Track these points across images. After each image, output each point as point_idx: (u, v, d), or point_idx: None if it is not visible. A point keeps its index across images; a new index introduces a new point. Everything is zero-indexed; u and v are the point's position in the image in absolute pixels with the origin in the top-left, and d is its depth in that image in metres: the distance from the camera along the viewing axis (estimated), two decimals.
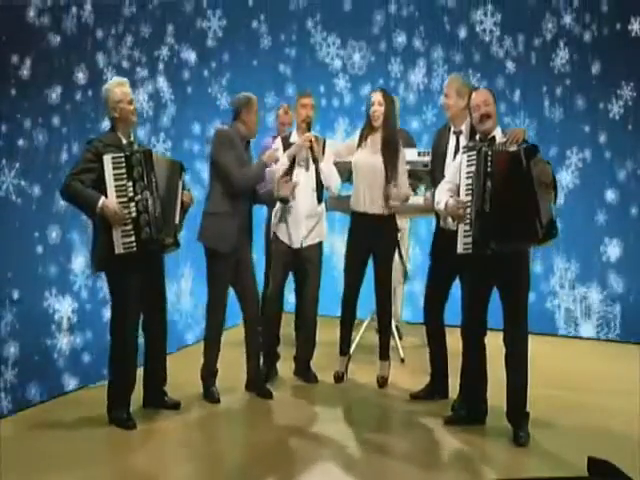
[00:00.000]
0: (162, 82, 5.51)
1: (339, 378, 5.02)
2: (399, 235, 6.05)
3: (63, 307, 4.64)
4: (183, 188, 4.36)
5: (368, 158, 4.76)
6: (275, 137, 5.24)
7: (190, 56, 5.83)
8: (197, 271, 5.74)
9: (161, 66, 5.49)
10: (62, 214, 4.57)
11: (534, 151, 3.87)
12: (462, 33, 6.57)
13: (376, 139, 4.78)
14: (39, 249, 4.48)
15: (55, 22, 4.49)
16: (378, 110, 4.72)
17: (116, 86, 4.17)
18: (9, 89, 4.23)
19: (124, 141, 4.13)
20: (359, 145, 4.83)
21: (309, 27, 6.98)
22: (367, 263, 4.90)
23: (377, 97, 4.75)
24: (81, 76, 4.68)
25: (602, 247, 6.25)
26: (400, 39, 6.75)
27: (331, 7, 6.90)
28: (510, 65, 6.46)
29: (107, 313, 4.69)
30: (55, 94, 4.52)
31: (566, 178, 6.33)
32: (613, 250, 6.22)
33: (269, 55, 6.85)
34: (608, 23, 6.18)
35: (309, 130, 4.85)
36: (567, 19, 6.28)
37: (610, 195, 6.23)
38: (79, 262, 4.74)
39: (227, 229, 4.54)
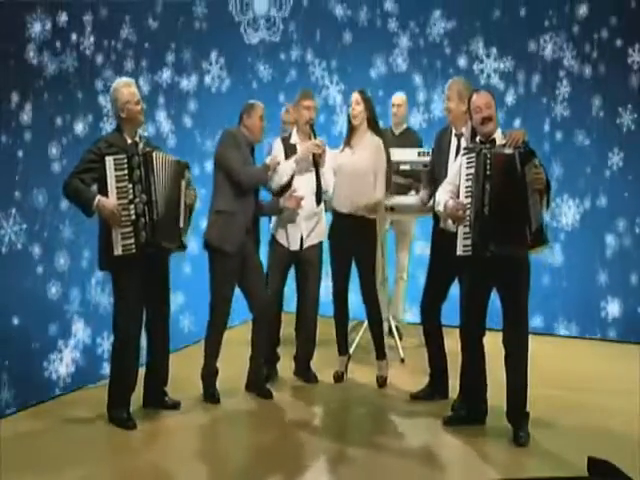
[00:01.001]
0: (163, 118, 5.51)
1: (339, 378, 5.02)
2: (406, 236, 6.10)
3: (62, 365, 4.62)
4: (188, 187, 4.28)
5: (351, 159, 4.78)
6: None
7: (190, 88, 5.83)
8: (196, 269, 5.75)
9: (162, 100, 5.50)
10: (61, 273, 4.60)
11: (530, 156, 3.87)
12: (461, 64, 6.45)
13: (357, 140, 4.81)
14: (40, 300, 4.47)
15: (53, 65, 4.51)
16: (356, 109, 4.77)
17: (123, 86, 4.14)
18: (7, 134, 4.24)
19: (129, 141, 4.11)
20: (343, 149, 4.85)
21: (309, 64, 6.89)
22: (351, 262, 4.91)
23: (355, 97, 4.80)
24: (80, 128, 4.71)
25: (603, 303, 6.14)
26: (401, 72, 6.64)
27: (333, 49, 6.82)
28: (510, 99, 6.34)
29: (106, 370, 4.65)
30: (55, 149, 4.55)
31: (567, 214, 6.25)
32: (612, 308, 6.14)
33: (269, 87, 6.75)
34: (608, 55, 6.05)
35: (313, 132, 4.85)
36: (567, 53, 6.16)
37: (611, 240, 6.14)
38: (79, 328, 4.75)
39: (233, 228, 4.53)
